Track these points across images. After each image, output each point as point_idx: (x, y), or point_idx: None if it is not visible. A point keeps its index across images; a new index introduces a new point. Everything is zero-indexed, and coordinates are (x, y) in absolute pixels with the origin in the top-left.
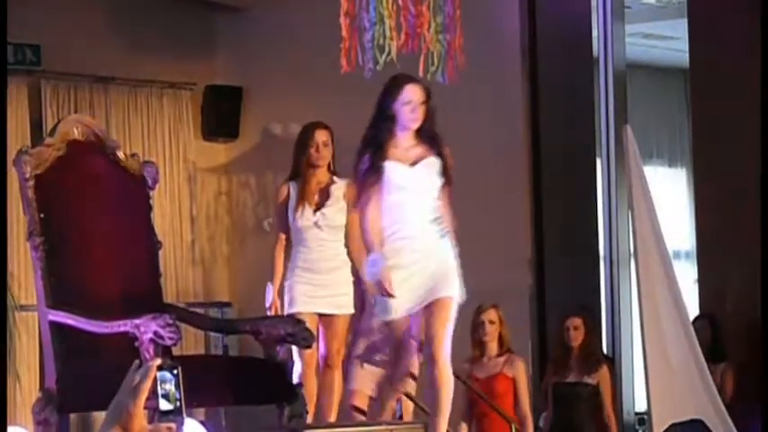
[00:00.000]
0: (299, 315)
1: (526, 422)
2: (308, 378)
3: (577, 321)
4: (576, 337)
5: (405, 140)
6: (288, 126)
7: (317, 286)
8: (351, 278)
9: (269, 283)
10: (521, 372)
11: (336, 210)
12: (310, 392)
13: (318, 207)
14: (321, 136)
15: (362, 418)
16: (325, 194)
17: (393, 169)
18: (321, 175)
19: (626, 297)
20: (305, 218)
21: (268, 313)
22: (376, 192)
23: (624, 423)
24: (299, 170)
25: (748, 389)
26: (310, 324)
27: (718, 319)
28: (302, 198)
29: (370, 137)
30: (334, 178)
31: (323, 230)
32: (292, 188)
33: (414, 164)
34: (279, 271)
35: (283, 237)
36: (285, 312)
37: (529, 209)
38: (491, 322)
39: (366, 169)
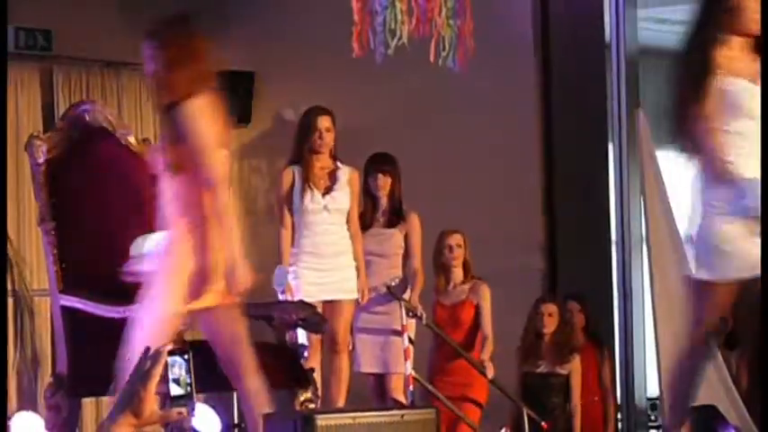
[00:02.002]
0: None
1: (487, 343)
2: (314, 364)
3: (552, 308)
4: (549, 325)
5: (740, 51)
6: (300, 111)
7: (323, 272)
8: (353, 263)
9: (278, 267)
10: (485, 297)
11: (343, 194)
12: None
13: (327, 191)
14: (324, 122)
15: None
16: (331, 179)
17: (742, 89)
18: (323, 160)
19: (638, 281)
20: (314, 201)
21: (280, 297)
22: (715, 117)
23: (636, 408)
24: (302, 155)
25: (756, 375)
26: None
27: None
28: (309, 182)
29: (698, 44)
30: (338, 163)
31: (331, 214)
32: (296, 173)
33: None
34: (288, 254)
35: (289, 221)
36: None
37: (541, 194)
38: (458, 245)
39: (699, 88)
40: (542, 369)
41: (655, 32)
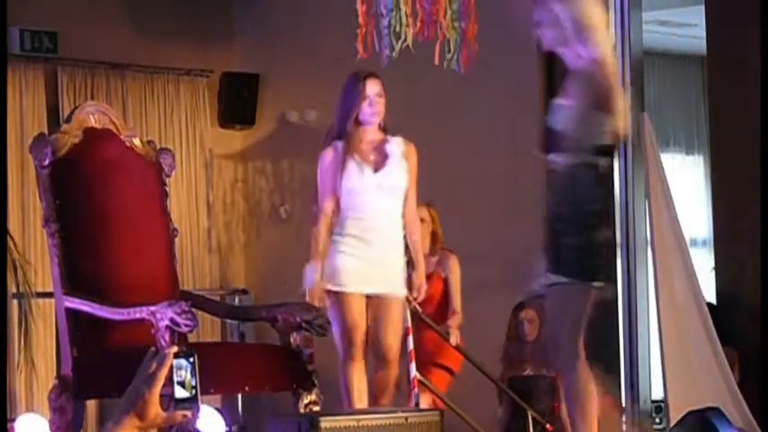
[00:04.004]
0: (347, 295)
1: (455, 317)
2: (355, 374)
3: (531, 314)
4: (530, 331)
5: None
6: (304, 113)
7: (371, 263)
8: (404, 257)
9: (308, 265)
10: (454, 271)
11: (400, 170)
12: (356, 387)
13: (379, 166)
14: (374, 86)
15: None
16: (381, 153)
17: None
18: (373, 132)
19: (642, 285)
20: (365, 180)
21: (306, 298)
22: None
23: (641, 411)
24: (347, 127)
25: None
26: (358, 308)
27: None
28: (358, 158)
29: None
30: (388, 136)
31: (385, 194)
32: (340, 150)
33: None
34: (323, 251)
35: (330, 210)
36: (330, 288)
37: (544, 196)
38: (421, 220)
39: None
40: (529, 372)
41: (659, 35)
